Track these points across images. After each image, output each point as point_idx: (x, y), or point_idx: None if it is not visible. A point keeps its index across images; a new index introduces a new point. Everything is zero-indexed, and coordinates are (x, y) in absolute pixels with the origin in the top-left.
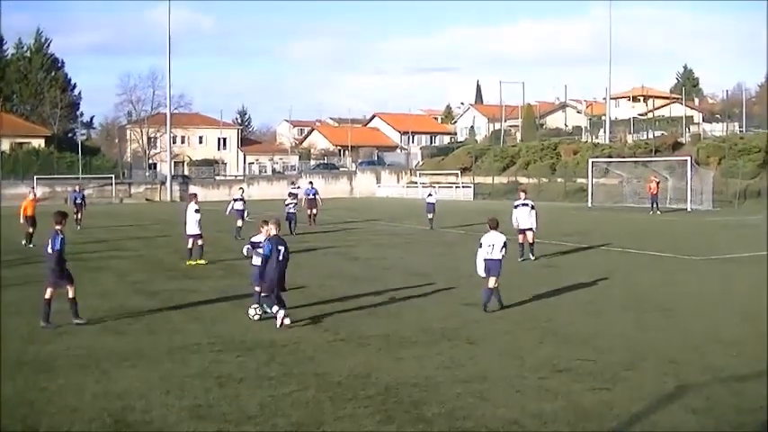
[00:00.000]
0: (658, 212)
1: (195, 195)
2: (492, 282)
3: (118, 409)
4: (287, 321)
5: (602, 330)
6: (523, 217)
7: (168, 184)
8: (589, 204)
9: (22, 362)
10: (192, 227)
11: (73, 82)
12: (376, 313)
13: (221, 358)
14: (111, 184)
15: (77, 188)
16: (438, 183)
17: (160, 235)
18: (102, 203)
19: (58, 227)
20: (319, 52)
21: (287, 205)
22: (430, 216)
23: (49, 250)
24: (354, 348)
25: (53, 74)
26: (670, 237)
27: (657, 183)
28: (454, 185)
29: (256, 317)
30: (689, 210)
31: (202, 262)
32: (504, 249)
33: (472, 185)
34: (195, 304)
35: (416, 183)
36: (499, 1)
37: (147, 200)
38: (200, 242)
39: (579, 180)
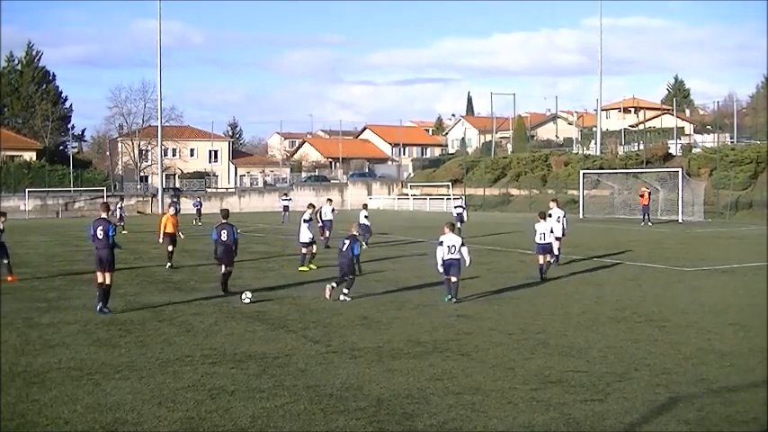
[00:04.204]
0: (650, 224)
1: (313, 206)
2: (545, 258)
3: (110, 421)
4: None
5: (594, 341)
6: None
7: (159, 196)
8: (580, 216)
9: (15, 374)
10: (305, 235)
11: (64, 95)
12: (367, 325)
13: (213, 371)
14: (103, 197)
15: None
16: (429, 194)
17: (153, 248)
18: (93, 216)
19: (354, 233)
20: (310, 64)
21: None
22: (458, 226)
23: (344, 249)
24: (346, 360)
25: (44, 87)
26: (662, 248)
27: (649, 193)
28: (445, 197)
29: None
30: (680, 221)
31: (313, 267)
32: (552, 233)
33: (463, 197)
34: (187, 316)
35: (407, 195)
36: (490, 12)
37: (138, 212)
38: (313, 249)
39: (570, 191)
